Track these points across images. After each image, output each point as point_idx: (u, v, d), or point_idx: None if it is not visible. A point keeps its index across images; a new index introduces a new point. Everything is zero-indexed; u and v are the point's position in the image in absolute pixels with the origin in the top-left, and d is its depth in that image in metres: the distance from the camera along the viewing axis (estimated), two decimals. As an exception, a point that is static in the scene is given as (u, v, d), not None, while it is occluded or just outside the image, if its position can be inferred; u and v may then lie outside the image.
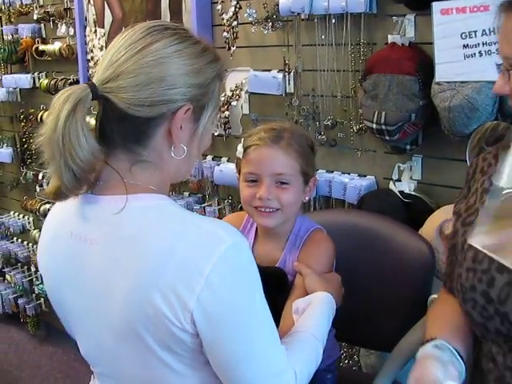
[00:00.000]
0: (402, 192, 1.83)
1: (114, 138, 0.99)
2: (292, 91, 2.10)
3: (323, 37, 1.97)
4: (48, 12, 2.98)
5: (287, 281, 1.35)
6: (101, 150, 0.97)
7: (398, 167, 1.88)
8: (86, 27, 2.82)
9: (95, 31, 2.77)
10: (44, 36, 3.12)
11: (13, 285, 3.47)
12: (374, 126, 1.77)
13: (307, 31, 2.04)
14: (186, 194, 2.55)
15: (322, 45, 1.98)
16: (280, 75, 2.09)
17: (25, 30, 3.11)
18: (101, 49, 2.74)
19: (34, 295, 3.39)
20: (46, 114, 2.79)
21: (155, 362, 0.97)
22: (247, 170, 1.37)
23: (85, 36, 2.83)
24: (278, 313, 1.26)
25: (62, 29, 2.93)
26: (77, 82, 2.88)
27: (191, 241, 0.93)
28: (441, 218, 1.64)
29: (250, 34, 2.17)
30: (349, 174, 2.02)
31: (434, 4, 1.64)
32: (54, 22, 2.98)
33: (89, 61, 2.84)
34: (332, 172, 2.05)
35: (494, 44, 1.54)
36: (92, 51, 2.81)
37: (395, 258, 1.60)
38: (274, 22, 2.07)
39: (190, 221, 0.97)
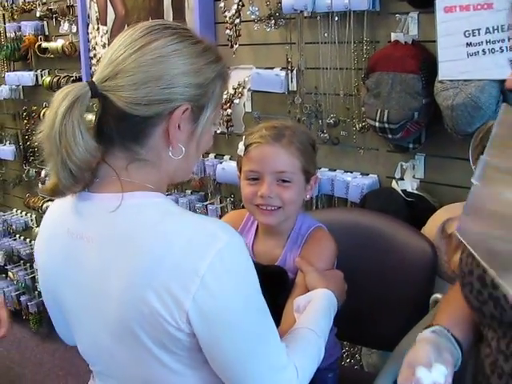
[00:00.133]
0: (404, 191, 1.83)
1: (112, 135, 0.99)
2: (295, 89, 2.10)
3: (326, 35, 1.96)
4: (51, 9, 2.98)
5: (288, 279, 1.35)
6: (98, 148, 0.96)
7: (401, 166, 1.88)
8: (88, 24, 2.82)
9: (98, 28, 2.77)
10: (47, 33, 3.12)
11: (15, 282, 3.47)
12: (377, 124, 1.76)
13: (310, 29, 2.03)
14: (189, 191, 2.55)
15: (325, 43, 1.97)
16: (283, 73, 2.09)
17: (27, 28, 3.11)
18: (103, 46, 2.75)
19: (36, 292, 3.39)
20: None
21: (152, 362, 0.97)
22: (248, 167, 1.37)
23: (87, 33, 2.83)
24: (279, 311, 1.25)
25: (64, 26, 2.93)
26: (79, 79, 2.89)
27: (187, 240, 0.92)
28: (443, 217, 1.63)
29: (253, 31, 2.16)
30: (351, 172, 2.01)
31: (438, 2, 1.62)
32: (56, 19, 2.98)
33: (91, 58, 2.84)
34: (334, 170, 2.05)
35: (498, 42, 1.53)
36: (95, 48, 2.81)
37: (397, 256, 1.60)
38: (277, 20, 2.07)
39: (185, 219, 0.96)
